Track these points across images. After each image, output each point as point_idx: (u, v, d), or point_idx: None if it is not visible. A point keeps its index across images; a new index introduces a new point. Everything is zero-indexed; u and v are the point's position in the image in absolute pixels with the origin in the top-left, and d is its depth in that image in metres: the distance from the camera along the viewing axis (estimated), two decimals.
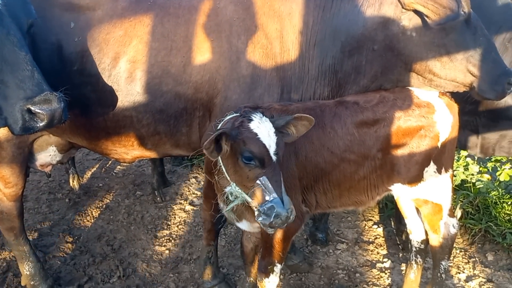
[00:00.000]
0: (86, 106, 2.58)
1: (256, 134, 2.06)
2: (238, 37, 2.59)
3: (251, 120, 2.10)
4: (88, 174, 4.98)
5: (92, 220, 4.09)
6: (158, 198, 4.42)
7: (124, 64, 2.54)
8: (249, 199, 2.13)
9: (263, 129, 2.08)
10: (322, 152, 2.37)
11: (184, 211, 4.27)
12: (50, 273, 3.26)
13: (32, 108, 1.96)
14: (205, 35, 2.59)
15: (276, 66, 2.60)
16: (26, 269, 2.99)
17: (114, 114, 2.59)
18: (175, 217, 4.17)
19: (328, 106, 2.44)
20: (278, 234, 2.43)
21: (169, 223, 4.07)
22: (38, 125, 2.02)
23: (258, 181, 2.03)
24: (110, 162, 5.28)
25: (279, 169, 2.08)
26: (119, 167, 5.18)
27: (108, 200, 4.43)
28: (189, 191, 4.66)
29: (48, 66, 2.39)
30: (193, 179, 4.92)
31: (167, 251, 3.66)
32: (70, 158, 3.29)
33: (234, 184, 2.20)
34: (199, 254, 3.54)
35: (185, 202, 4.44)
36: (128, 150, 2.79)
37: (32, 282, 3.00)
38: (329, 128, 2.37)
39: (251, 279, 2.91)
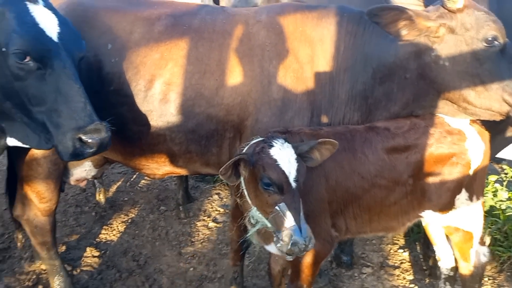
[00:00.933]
0: (122, 124, 2.64)
1: (275, 161, 2.09)
2: (270, 62, 2.64)
3: (272, 146, 2.13)
4: (114, 187, 5.07)
5: (118, 234, 4.15)
6: (182, 214, 4.46)
7: (159, 86, 2.61)
8: (268, 225, 2.15)
9: (283, 155, 2.10)
10: (352, 177, 2.39)
11: (208, 228, 4.30)
12: (77, 287, 3.32)
13: (84, 138, 2.08)
14: (238, 59, 2.65)
15: (307, 90, 2.64)
16: (56, 283, 3.05)
17: (148, 132, 2.66)
18: (198, 234, 4.20)
19: (359, 131, 2.46)
20: (308, 258, 2.43)
21: (193, 240, 4.10)
22: (86, 152, 2.13)
23: (277, 207, 2.06)
24: (134, 176, 5.36)
25: (298, 196, 2.10)
26: (143, 181, 5.25)
27: (133, 215, 4.49)
28: (212, 208, 4.69)
29: (87, 85, 2.47)
30: (216, 196, 4.95)
31: (191, 269, 3.68)
32: (102, 174, 3.36)
33: (255, 208, 2.23)
34: (224, 273, 3.56)
35: (208, 219, 4.47)
36: (160, 166, 2.85)
37: None
38: (360, 153, 2.39)
39: None
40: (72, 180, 3.05)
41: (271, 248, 2.60)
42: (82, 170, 3.01)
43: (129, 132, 2.68)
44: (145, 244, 4.00)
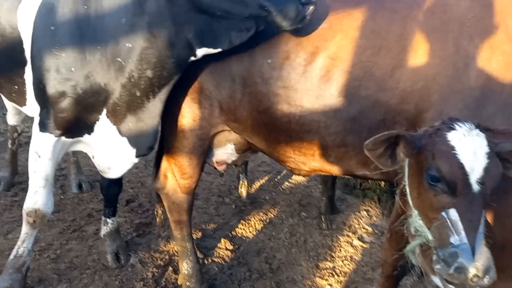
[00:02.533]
0: (273, 103, 2.32)
1: (452, 148, 1.52)
2: (470, 40, 2.02)
3: (453, 129, 1.56)
4: (257, 185, 4.87)
5: (254, 232, 3.88)
6: (324, 225, 4.00)
7: (322, 61, 2.21)
8: (430, 237, 1.60)
9: (467, 144, 1.52)
10: None
11: (352, 246, 3.75)
12: (206, 278, 3.11)
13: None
14: (425, 35, 2.10)
15: None
16: (185, 267, 2.88)
17: (300, 115, 2.28)
18: (340, 250, 3.68)
19: None
20: None
21: (333, 255, 3.60)
22: (305, 14, 2.10)
23: (443, 213, 1.49)
24: (279, 176, 5.11)
25: (482, 206, 1.49)
26: (287, 183, 4.95)
27: (272, 215, 4.19)
28: (358, 225, 4.11)
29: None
30: (364, 212, 4.36)
31: (328, 287, 3.18)
32: (243, 162, 3.11)
33: (416, 212, 1.68)
34: None
35: (353, 235, 3.91)
36: (307, 160, 2.44)
37: (188, 283, 2.87)
38: None
39: None
40: (213, 161, 2.84)
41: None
42: (224, 153, 2.79)
43: (278, 112, 2.33)
44: (280, 248, 3.64)
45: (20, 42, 2.56)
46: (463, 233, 1.44)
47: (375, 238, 3.89)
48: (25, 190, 4.19)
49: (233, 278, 3.21)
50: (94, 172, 4.80)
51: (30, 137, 5.68)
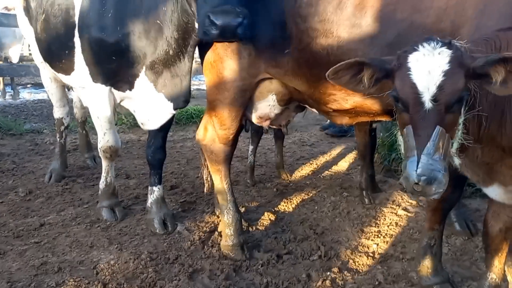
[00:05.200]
0: (312, 38, 2.41)
1: (408, 69, 1.60)
2: None
3: (415, 50, 1.62)
4: (297, 174, 4.90)
5: (297, 207, 3.89)
6: (366, 200, 3.96)
7: None
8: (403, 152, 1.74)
9: (424, 64, 1.58)
10: None
11: (396, 215, 3.68)
12: (250, 240, 3.14)
13: (210, 16, 2.13)
14: None
15: None
16: (225, 216, 2.96)
17: (338, 46, 2.35)
18: (385, 218, 3.63)
19: None
20: None
21: (378, 222, 3.55)
22: (212, 32, 2.15)
23: (405, 130, 1.62)
24: (319, 167, 5.13)
25: (436, 121, 1.55)
26: (327, 172, 4.96)
27: (313, 194, 4.19)
28: (402, 199, 4.04)
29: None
30: None
31: (374, 245, 3.14)
32: (287, 122, 3.17)
33: (399, 133, 1.82)
34: (414, 256, 2.90)
35: (398, 207, 3.85)
36: (348, 96, 2.48)
37: (227, 231, 2.93)
38: None
39: (493, 276, 2.14)
40: (256, 116, 2.93)
41: (493, 191, 1.94)
42: (266, 105, 2.87)
43: (318, 47, 2.41)
44: (324, 218, 3.63)
45: (73, 7, 2.86)
46: (413, 147, 1.56)
47: (421, 209, 3.81)
48: (75, 181, 4.46)
49: (278, 240, 3.21)
50: (139, 168, 4.99)
51: (77, 144, 5.93)
